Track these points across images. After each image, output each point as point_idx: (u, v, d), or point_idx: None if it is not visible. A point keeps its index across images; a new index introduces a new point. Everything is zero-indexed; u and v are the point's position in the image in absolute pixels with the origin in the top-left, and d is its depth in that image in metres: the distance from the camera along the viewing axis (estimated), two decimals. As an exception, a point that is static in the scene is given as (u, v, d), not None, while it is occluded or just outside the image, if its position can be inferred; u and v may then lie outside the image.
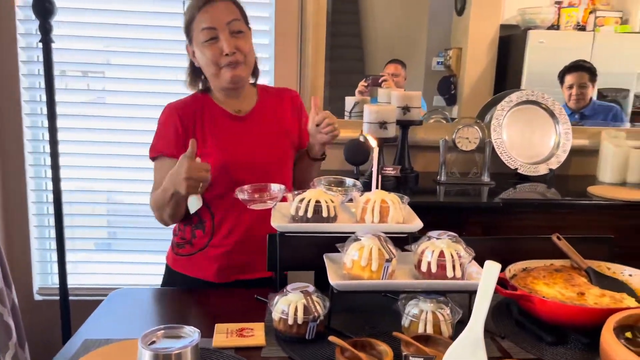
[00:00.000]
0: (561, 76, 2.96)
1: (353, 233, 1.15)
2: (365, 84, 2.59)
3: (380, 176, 1.23)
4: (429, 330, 1.10)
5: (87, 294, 2.37)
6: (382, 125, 1.94)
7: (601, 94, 3.11)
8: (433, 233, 1.16)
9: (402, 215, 1.21)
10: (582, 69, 2.95)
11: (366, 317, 1.21)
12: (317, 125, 1.43)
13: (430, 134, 2.29)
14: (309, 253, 1.43)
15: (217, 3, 1.41)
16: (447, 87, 3.58)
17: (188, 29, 1.43)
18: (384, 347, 1.02)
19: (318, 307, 1.11)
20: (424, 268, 1.11)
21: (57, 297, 2.16)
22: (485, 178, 2.15)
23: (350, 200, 1.27)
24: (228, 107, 1.48)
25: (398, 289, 1.10)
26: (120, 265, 2.47)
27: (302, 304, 1.10)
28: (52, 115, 1.99)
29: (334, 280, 1.07)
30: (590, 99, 2.77)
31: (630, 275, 1.29)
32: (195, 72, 1.52)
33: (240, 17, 1.43)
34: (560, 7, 3.66)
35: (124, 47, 2.31)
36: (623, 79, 3.56)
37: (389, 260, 1.08)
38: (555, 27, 3.57)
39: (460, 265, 1.10)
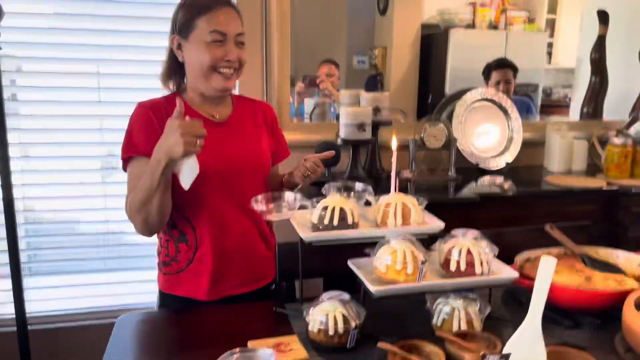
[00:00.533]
0: (486, 73, 3.14)
1: (382, 238, 1.16)
2: (303, 85, 2.62)
3: (397, 179, 1.24)
4: (463, 327, 1.13)
5: (47, 321, 2.18)
6: (361, 127, 1.96)
7: (514, 89, 3.38)
8: (457, 231, 1.20)
9: (422, 216, 1.24)
10: (507, 66, 3.15)
11: (395, 320, 1.22)
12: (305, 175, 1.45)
13: (399, 133, 2.34)
14: (318, 261, 1.44)
15: (229, 10, 1.38)
16: (374, 85, 3.69)
17: (188, 23, 1.36)
18: (432, 348, 1.04)
19: (355, 315, 1.10)
20: (452, 267, 1.15)
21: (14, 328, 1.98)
22: (452, 174, 2.25)
23: (367, 203, 1.28)
24: (203, 112, 1.42)
25: (437, 289, 1.13)
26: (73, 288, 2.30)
27: (341, 313, 1.10)
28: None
29: (373, 286, 1.07)
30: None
31: (617, 257, 1.41)
32: (174, 67, 1.44)
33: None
34: (474, 7, 3.90)
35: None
36: (532, 74, 3.87)
37: (423, 262, 1.11)
38: (471, 26, 3.81)
39: (487, 262, 1.15)
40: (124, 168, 1.40)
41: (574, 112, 3.10)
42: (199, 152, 1.17)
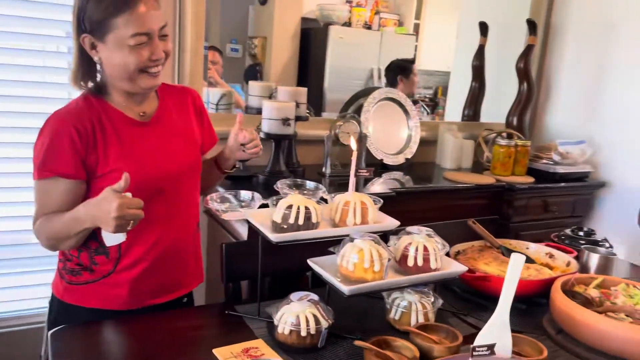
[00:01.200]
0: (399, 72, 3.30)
1: (345, 236, 1.17)
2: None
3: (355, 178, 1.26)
4: (420, 319, 1.20)
5: None
6: (286, 122, 1.94)
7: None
8: (412, 229, 1.26)
9: (377, 215, 1.28)
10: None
11: (354, 316, 1.25)
12: (243, 144, 1.40)
13: (310, 128, 2.37)
14: (266, 260, 1.40)
15: (147, 1, 1.19)
16: (254, 75, 3.71)
17: (103, 22, 1.17)
18: (401, 343, 1.09)
19: (326, 315, 1.11)
20: (410, 263, 1.20)
21: None
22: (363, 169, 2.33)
23: (323, 201, 1.28)
24: (129, 111, 1.28)
25: (403, 285, 1.17)
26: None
27: (311, 314, 1.09)
28: None
29: (345, 286, 1.08)
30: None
31: (527, 248, 1.60)
32: (87, 67, 1.27)
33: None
34: (351, 6, 4.10)
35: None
36: None
37: (389, 260, 1.14)
38: (347, 24, 4.00)
39: (440, 257, 1.22)
40: (34, 177, 1.23)
41: (454, 113, 3.41)
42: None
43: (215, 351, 1.06)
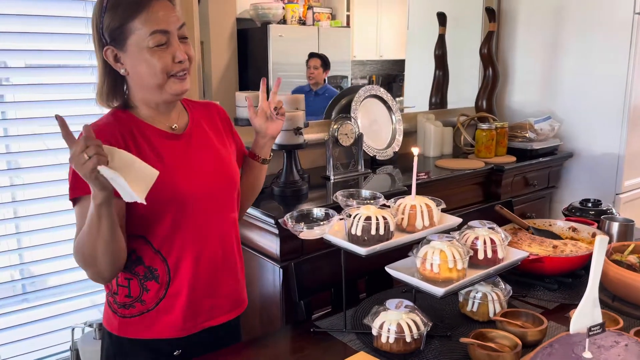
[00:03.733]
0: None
1: (420, 240, 1.22)
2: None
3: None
4: (497, 308, 1.27)
5: None
6: (298, 131, 1.94)
7: (328, 81, 3.77)
8: (474, 223, 1.32)
9: (440, 215, 1.33)
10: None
11: (432, 316, 1.30)
12: (275, 108, 1.39)
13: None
14: (327, 273, 1.42)
15: (162, 1, 1.17)
16: (199, 79, 3.68)
17: (121, 29, 1.15)
18: (497, 333, 1.15)
19: (425, 318, 1.15)
20: (480, 256, 1.27)
21: None
22: (361, 168, 2.38)
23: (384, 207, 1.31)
24: (160, 124, 1.25)
25: (485, 278, 1.23)
26: None
27: (412, 320, 1.13)
28: None
29: (439, 288, 1.13)
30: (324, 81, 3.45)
31: (550, 225, 1.72)
32: (113, 82, 1.23)
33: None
34: (284, 2, 4.15)
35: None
36: (341, 66, 4.32)
37: (470, 256, 1.20)
38: (282, 21, 4.05)
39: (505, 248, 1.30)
40: (69, 197, 1.17)
41: (413, 101, 3.55)
42: (98, 164, 0.98)
43: (327, 371, 1.07)
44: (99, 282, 1.21)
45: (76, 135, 1.01)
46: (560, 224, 1.71)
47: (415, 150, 1.30)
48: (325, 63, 3.67)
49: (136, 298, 1.23)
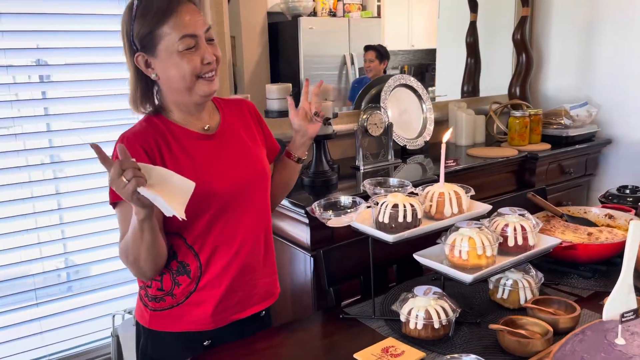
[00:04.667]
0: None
1: (449, 227, 1.22)
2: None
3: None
4: (529, 295, 1.26)
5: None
6: (327, 121, 1.95)
7: (359, 72, 3.74)
8: (504, 210, 1.31)
9: (469, 202, 1.32)
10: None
11: (461, 301, 1.30)
12: (315, 113, 1.41)
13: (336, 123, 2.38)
14: (355, 261, 1.44)
15: (189, 5, 1.22)
16: (230, 75, 3.70)
17: (151, 35, 1.18)
18: (527, 320, 1.14)
19: (453, 305, 1.15)
20: (511, 243, 1.26)
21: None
22: (391, 158, 2.38)
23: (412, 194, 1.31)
24: (192, 126, 1.29)
25: (515, 264, 1.22)
26: None
27: (440, 306, 1.13)
28: None
29: (467, 275, 1.13)
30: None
31: (585, 212, 1.68)
32: (145, 88, 1.27)
33: None
34: None
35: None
36: None
37: (499, 243, 1.20)
38: (313, 14, 4.03)
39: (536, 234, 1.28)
40: (110, 202, 1.22)
41: (445, 89, 3.50)
42: (137, 187, 1.01)
43: (357, 355, 1.09)
44: (142, 279, 1.28)
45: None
46: (595, 211, 1.67)
47: (445, 137, 1.30)
48: (381, 54, 3.62)
49: (167, 292, 1.27)
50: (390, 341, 1.14)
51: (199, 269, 1.26)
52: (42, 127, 2.00)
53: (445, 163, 1.34)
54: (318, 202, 1.25)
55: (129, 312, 1.98)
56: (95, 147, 1.01)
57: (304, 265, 1.85)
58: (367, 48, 3.60)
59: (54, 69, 2.03)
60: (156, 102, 1.28)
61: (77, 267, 2.09)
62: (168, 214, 1.03)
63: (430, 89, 3.62)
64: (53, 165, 2.03)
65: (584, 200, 2.88)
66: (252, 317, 1.36)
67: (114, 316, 2.00)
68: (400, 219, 1.19)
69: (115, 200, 1.19)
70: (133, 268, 1.21)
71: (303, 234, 1.81)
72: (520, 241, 1.25)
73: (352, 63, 3.99)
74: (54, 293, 2.03)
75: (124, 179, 0.99)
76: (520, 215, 1.29)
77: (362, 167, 2.27)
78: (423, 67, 4.88)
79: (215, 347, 1.21)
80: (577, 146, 2.68)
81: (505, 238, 1.25)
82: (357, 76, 3.56)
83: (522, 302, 1.25)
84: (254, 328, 1.35)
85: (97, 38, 2.03)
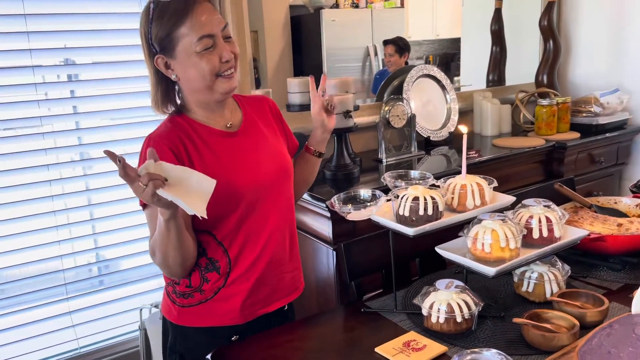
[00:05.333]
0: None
1: (471, 220, 1.20)
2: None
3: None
4: (555, 288, 1.23)
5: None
6: (347, 114, 1.95)
7: (383, 63, 3.68)
8: (528, 201, 1.28)
9: (492, 194, 1.30)
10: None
11: (485, 296, 1.28)
12: (329, 106, 1.40)
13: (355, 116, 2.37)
14: (378, 255, 1.43)
15: (205, 5, 1.22)
16: (250, 71, 3.70)
17: (169, 37, 1.19)
18: (553, 313, 1.12)
19: (475, 298, 1.14)
20: (535, 235, 1.23)
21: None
22: (414, 150, 2.35)
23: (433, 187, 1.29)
24: (215, 124, 1.29)
25: (541, 257, 1.19)
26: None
27: (462, 300, 1.12)
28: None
29: (490, 268, 1.11)
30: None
31: (615, 202, 1.63)
32: (165, 89, 1.27)
33: None
34: None
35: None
36: None
37: (523, 235, 1.17)
38: (335, 6, 3.99)
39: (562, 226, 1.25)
40: (140, 203, 1.23)
41: (470, 79, 3.43)
42: (155, 189, 1.01)
43: (378, 349, 1.08)
44: (172, 277, 1.29)
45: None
46: (626, 202, 1.62)
47: (463, 129, 1.28)
48: (400, 48, 3.57)
49: (196, 288, 1.28)
50: (412, 335, 1.13)
51: (228, 265, 1.27)
52: (71, 125, 2.04)
53: (467, 154, 1.31)
54: (337, 195, 1.25)
55: (155, 306, 2.01)
56: (110, 155, 1.00)
57: (326, 259, 1.85)
58: (386, 42, 3.55)
59: (82, 68, 2.07)
60: (178, 102, 1.29)
61: (107, 262, 2.14)
62: (190, 212, 1.04)
63: (455, 78, 3.56)
64: (83, 163, 2.07)
65: (615, 190, 2.80)
66: (278, 312, 1.37)
67: (141, 310, 2.03)
68: (421, 212, 1.18)
69: (142, 202, 1.21)
70: (163, 267, 1.23)
71: (325, 227, 1.81)
72: (545, 233, 1.22)
73: (376, 54, 3.95)
74: (84, 287, 2.08)
75: (141, 184, 1.00)
76: (545, 206, 1.26)
77: (384, 160, 2.26)
78: (448, 57, 4.80)
79: (238, 341, 1.22)
80: (607, 134, 2.60)
81: (530, 230, 1.23)
82: (381, 68, 3.52)
83: (547, 295, 1.22)
84: (279, 322, 1.36)
85: (122, 36, 2.06)
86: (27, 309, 1.98)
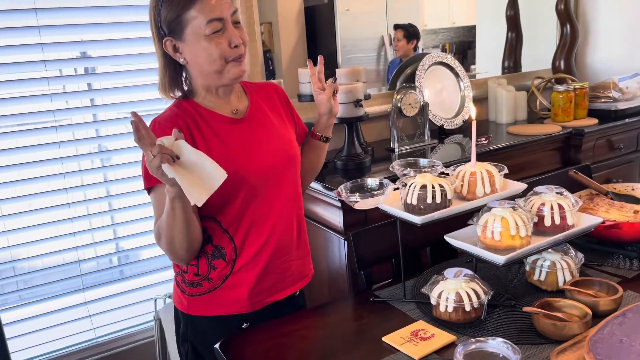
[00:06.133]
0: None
1: (481, 207, 1.18)
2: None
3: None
4: (567, 277, 1.20)
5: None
6: (357, 103, 1.93)
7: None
8: (540, 189, 1.25)
9: (502, 181, 1.27)
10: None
11: (496, 283, 1.26)
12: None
13: (367, 105, 2.35)
14: (387, 244, 1.41)
15: None
16: (266, 62, 3.68)
17: (178, 19, 1.18)
18: (565, 302, 1.10)
19: (485, 287, 1.12)
20: (547, 222, 1.20)
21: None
22: (427, 138, 2.32)
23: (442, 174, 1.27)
24: (221, 110, 1.29)
25: (552, 245, 1.17)
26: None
27: (471, 289, 1.10)
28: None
29: (500, 256, 1.08)
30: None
31: (633, 189, 1.59)
32: (173, 73, 1.27)
33: None
34: None
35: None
36: None
37: (534, 222, 1.15)
38: None
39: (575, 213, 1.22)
40: (144, 187, 1.24)
41: (486, 66, 3.37)
42: (161, 163, 1.02)
43: (386, 338, 1.07)
44: (178, 263, 1.30)
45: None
46: (644, 188, 1.58)
47: (472, 112, 1.25)
48: (409, 33, 3.55)
49: (204, 276, 1.29)
50: (420, 324, 1.12)
51: (234, 252, 1.27)
52: (89, 117, 2.06)
53: (477, 141, 1.28)
54: (344, 184, 1.23)
55: (169, 297, 2.03)
56: (135, 120, 1.03)
57: (337, 248, 1.84)
58: (395, 27, 3.51)
59: (98, 61, 2.08)
60: (185, 87, 1.29)
61: (125, 253, 2.17)
62: (188, 197, 1.02)
63: (472, 67, 3.50)
64: (101, 155, 2.10)
65: (636, 177, 2.73)
66: (287, 299, 1.37)
67: (155, 300, 2.06)
68: (429, 200, 1.16)
69: (149, 185, 1.21)
70: (168, 251, 1.23)
71: (336, 217, 1.80)
72: (557, 220, 1.19)
73: (391, 44, 3.91)
74: (100, 278, 2.11)
75: (151, 154, 1.01)
76: (558, 193, 1.23)
77: (397, 149, 2.23)
78: (465, 45, 4.72)
79: (246, 330, 1.22)
80: (627, 120, 2.53)
81: (542, 218, 1.20)
82: (394, 57, 3.47)
83: (560, 284, 1.20)
84: (290, 310, 1.36)
85: (137, 29, 2.07)
86: (45, 299, 2.02)
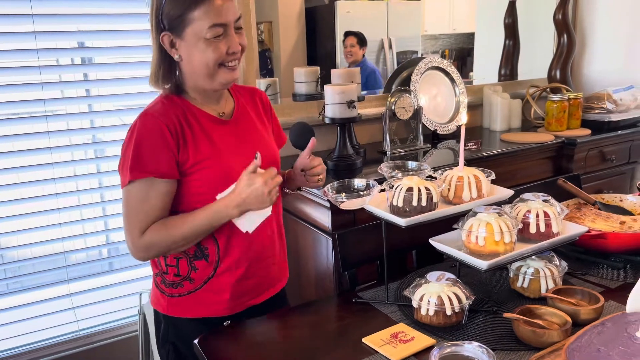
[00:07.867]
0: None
1: (466, 212, 1.18)
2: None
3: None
4: (550, 285, 1.20)
5: None
6: (350, 104, 1.93)
7: (398, 57, 3.62)
8: (526, 196, 1.25)
9: (489, 187, 1.27)
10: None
11: (479, 288, 1.26)
12: (303, 170, 1.37)
13: (361, 107, 2.35)
14: (373, 246, 1.41)
15: None
16: (264, 61, 3.68)
17: (181, 18, 1.17)
18: (546, 310, 1.09)
19: (467, 291, 1.12)
20: (532, 229, 1.20)
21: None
22: (420, 142, 2.32)
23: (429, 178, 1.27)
24: (209, 110, 1.28)
25: (536, 252, 1.17)
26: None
27: (453, 293, 1.10)
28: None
29: (483, 261, 1.08)
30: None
31: (621, 200, 1.60)
32: (167, 67, 1.26)
33: None
34: None
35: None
36: (411, 42, 4.15)
37: (518, 229, 1.14)
38: None
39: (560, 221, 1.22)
40: (123, 185, 1.22)
41: (484, 73, 3.38)
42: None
43: (365, 340, 1.07)
44: (145, 260, 1.28)
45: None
46: (631, 199, 1.58)
47: (463, 118, 1.25)
48: (361, 40, 3.58)
49: (184, 277, 1.28)
50: (400, 327, 1.11)
51: (217, 254, 1.27)
52: (84, 108, 2.05)
53: (466, 145, 1.28)
54: (331, 184, 1.23)
55: (155, 291, 2.03)
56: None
57: (325, 248, 1.84)
58: (348, 34, 3.45)
59: (96, 52, 2.07)
60: (170, 84, 1.28)
61: (117, 245, 2.16)
62: (251, 226, 1.26)
63: (471, 73, 3.51)
64: (94, 145, 2.08)
65: (627, 189, 2.74)
66: (269, 301, 1.36)
67: (140, 294, 2.04)
68: (415, 203, 1.16)
69: (138, 177, 1.17)
70: (156, 255, 1.25)
71: (324, 217, 1.80)
72: (542, 228, 1.19)
73: (390, 47, 3.91)
74: (85, 270, 2.10)
75: (266, 191, 1.18)
76: (544, 201, 1.24)
77: (389, 152, 2.23)
78: (465, 52, 4.73)
79: (226, 327, 1.21)
80: (620, 132, 2.54)
81: (527, 224, 1.20)
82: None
83: (543, 291, 1.20)
84: (273, 309, 1.35)
85: (136, 21, 2.06)
86: (30, 289, 2.01)
